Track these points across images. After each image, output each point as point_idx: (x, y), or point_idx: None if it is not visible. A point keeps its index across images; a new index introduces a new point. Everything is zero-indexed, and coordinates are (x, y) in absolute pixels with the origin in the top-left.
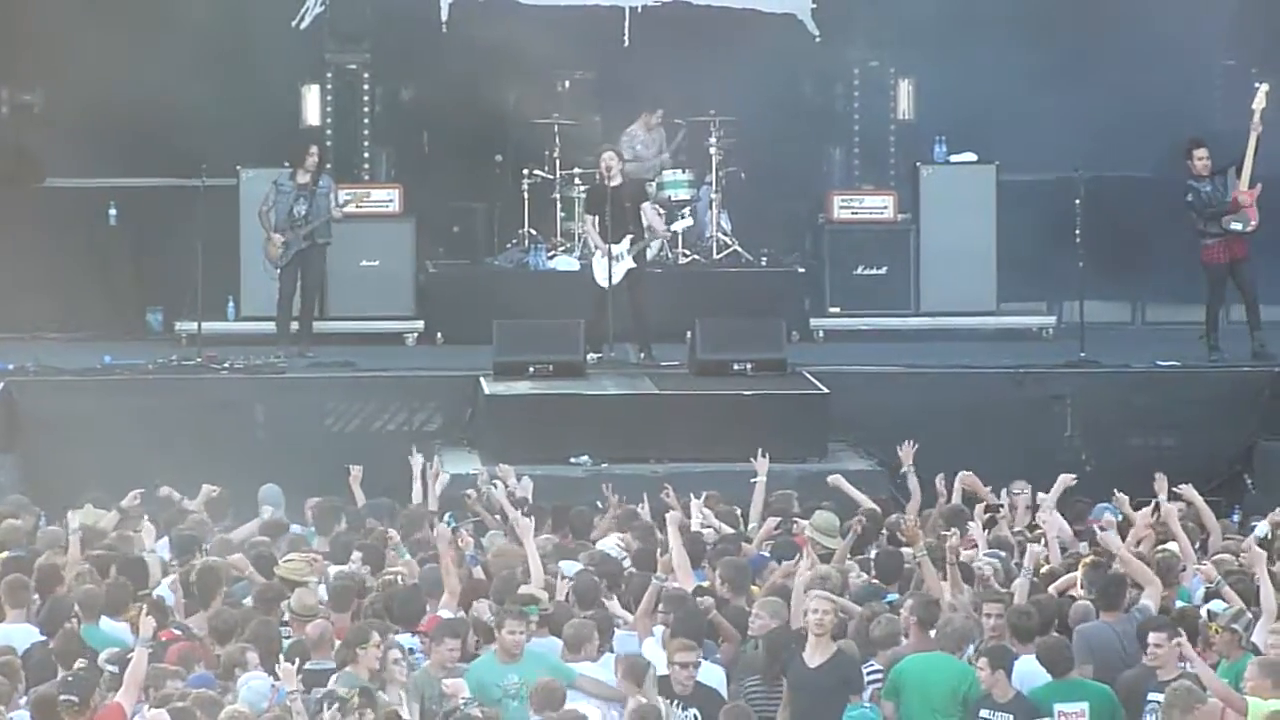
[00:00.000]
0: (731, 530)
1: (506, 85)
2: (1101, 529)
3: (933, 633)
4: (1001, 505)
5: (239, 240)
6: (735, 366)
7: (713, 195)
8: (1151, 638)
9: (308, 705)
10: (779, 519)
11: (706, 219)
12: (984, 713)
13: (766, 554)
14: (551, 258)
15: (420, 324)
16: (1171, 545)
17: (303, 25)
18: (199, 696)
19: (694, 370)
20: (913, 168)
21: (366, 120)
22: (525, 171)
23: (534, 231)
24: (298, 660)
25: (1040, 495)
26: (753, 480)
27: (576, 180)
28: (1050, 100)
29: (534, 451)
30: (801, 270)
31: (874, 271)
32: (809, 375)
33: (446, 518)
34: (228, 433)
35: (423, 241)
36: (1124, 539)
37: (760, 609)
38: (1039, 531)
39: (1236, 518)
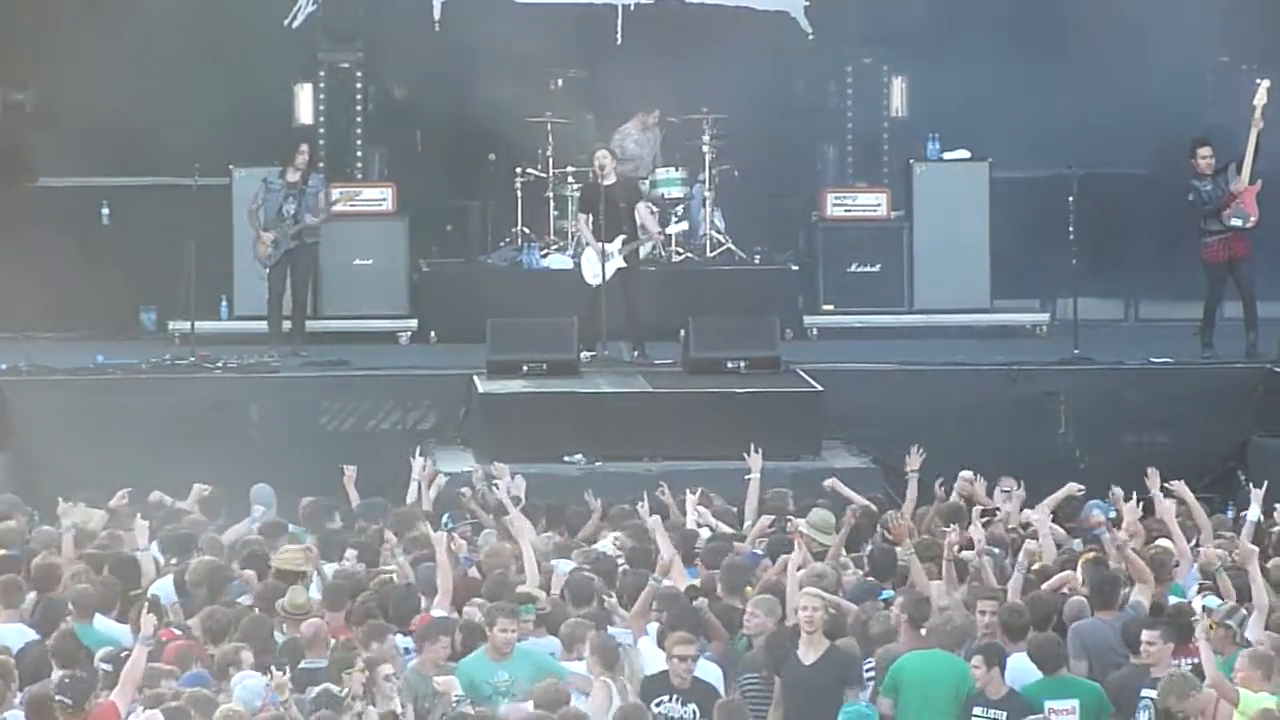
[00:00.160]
0: (729, 530)
1: (499, 83)
2: (1100, 529)
3: (923, 631)
4: (999, 509)
5: (232, 239)
6: (729, 364)
7: (706, 193)
8: (1145, 636)
9: (301, 706)
10: (773, 517)
11: (700, 217)
12: (977, 710)
13: (760, 552)
14: (545, 256)
15: (414, 323)
16: (1164, 542)
17: (295, 24)
18: (193, 695)
19: (688, 368)
20: (906, 165)
21: (359, 119)
22: (518, 170)
23: (527, 230)
24: (287, 663)
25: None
26: (747, 477)
27: (570, 179)
28: (1043, 97)
29: (528, 450)
30: (795, 268)
31: (867, 269)
32: (803, 373)
33: (445, 518)
34: (222, 432)
35: (416, 240)
36: None
37: (755, 607)
38: (1032, 529)
39: (1230, 514)
